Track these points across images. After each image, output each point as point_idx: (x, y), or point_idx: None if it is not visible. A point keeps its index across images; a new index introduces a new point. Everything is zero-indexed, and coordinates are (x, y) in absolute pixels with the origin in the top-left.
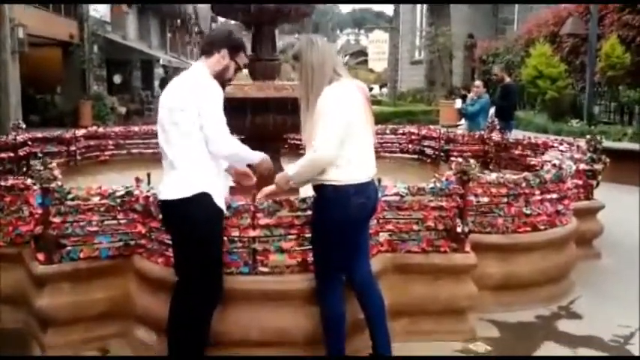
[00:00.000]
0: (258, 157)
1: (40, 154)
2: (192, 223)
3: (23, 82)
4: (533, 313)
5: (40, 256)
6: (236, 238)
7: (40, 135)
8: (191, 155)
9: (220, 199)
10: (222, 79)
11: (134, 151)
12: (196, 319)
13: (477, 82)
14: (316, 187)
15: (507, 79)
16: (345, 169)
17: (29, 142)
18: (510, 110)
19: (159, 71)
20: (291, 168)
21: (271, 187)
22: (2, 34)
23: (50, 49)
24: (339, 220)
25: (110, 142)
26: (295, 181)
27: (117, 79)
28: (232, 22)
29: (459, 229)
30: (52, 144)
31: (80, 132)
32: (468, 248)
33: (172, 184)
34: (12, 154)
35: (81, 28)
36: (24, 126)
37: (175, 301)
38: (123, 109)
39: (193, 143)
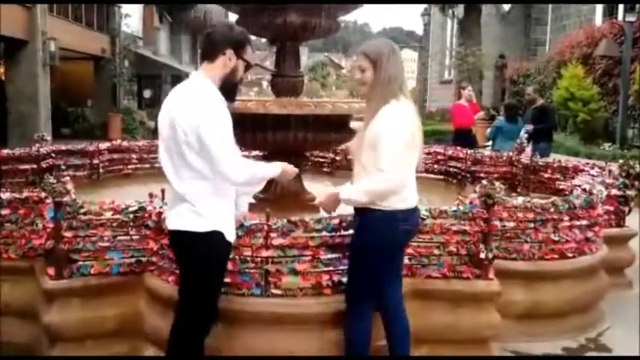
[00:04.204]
0: (276, 170)
1: (63, 167)
2: (201, 259)
3: (55, 95)
4: (559, 344)
5: (50, 271)
6: (248, 258)
7: (63, 147)
8: (204, 192)
9: (231, 233)
10: (232, 81)
11: (157, 165)
12: (189, 342)
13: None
14: (360, 210)
15: (540, 101)
16: (399, 194)
17: (52, 155)
18: (549, 132)
19: None
20: (345, 191)
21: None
22: (34, 47)
23: (82, 62)
24: (384, 247)
25: (134, 155)
26: (350, 204)
27: (147, 93)
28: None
29: (482, 255)
30: (75, 156)
31: (104, 145)
32: (491, 275)
33: (183, 215)
34: (35, 166)
35: (113, 42)
36: (48, 138)
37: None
38: (152, 123)
39: (205, 178)
